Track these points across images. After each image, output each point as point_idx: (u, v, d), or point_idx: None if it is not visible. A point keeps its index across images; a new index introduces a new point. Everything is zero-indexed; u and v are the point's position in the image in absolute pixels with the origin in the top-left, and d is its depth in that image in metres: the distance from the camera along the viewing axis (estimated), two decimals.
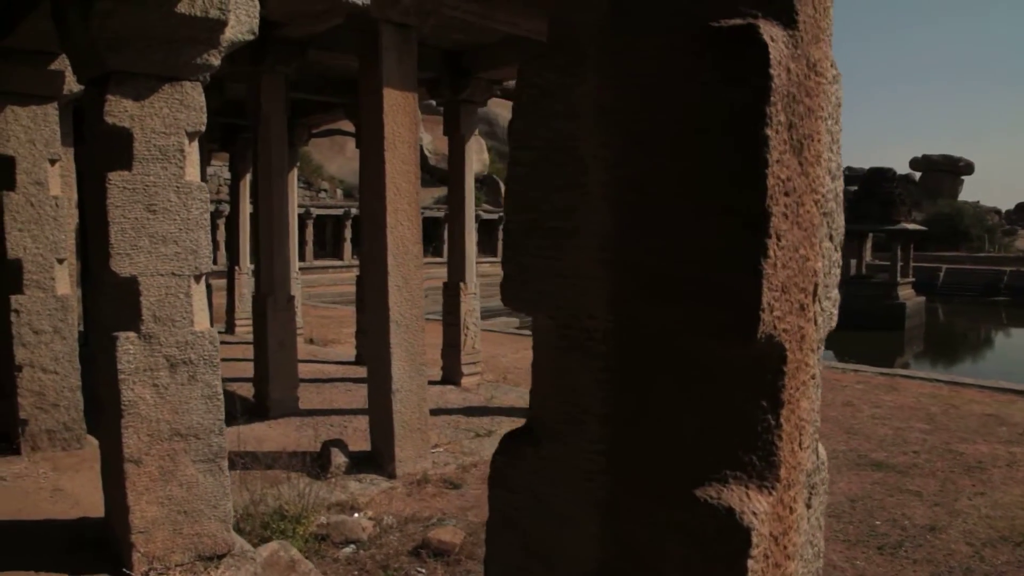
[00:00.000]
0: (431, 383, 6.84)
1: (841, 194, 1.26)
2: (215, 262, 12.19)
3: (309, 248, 23.30)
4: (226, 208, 16.50)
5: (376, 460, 6.08)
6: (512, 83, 9.22)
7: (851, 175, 39.14)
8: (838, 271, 1.28)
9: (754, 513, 1.02)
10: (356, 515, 5.23)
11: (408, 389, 5.99)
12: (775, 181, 0.99)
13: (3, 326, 5.01)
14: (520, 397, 8.54)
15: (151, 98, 2.86)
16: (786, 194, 1.02)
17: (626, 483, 1.12)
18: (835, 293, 1.27)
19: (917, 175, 53.57)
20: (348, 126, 13.06)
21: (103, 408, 3.09)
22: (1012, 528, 5.08)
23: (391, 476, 5.92)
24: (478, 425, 7.41)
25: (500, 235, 28.93)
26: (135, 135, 2.85)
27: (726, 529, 1.02)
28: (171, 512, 2.93)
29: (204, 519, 3.00)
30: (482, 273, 10.06)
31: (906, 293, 24.18)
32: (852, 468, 6.25)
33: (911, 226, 25.35)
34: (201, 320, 3.06)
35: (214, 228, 20.35)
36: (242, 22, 2.89)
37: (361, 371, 9.98)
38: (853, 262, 26.15)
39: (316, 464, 5.90)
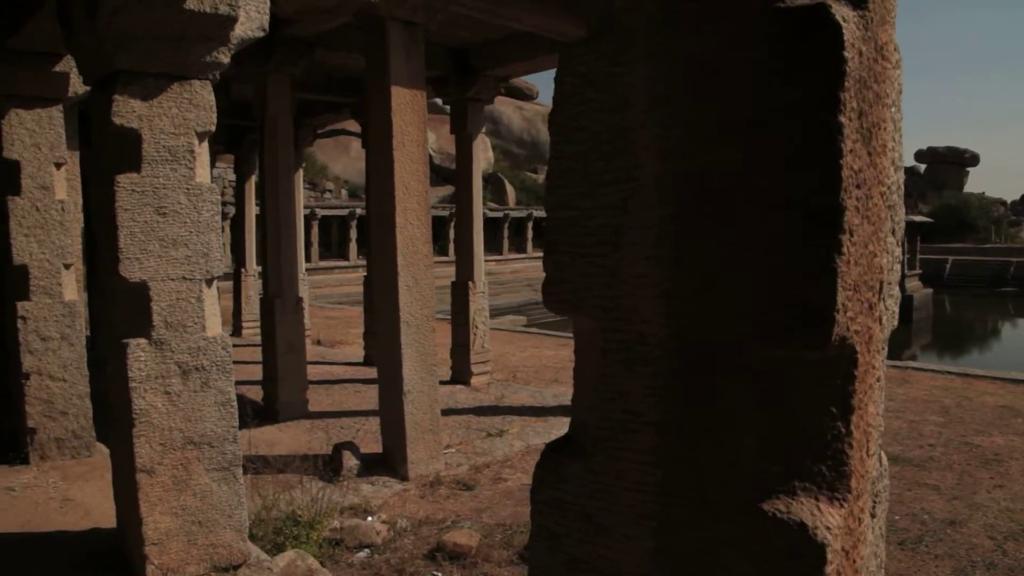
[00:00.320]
0: (440, 383, 6.78)
1: (903, 186, 1.18)
2: None
3: (315, 249, 23.26)
4: (231, 210, 16.47)
5: (388, 462, 6.02)
6: (517, 80, 9.15)
7: None
8: (899, 267, 1.21)
9: (828, 528, 0.95)
10: (369, 518, 5.17)
11: (419, 390, 5.93)
12: (848, 172, 0.92)
13: (10, 333, 4.96)
14: (531, 396, 8.47)
15: (160, 98, 2.79)
16: (857, 186, 0.95)
17: (682, 496, 1.05)
18: (896, 291, 1.20)
19: (922, 167, 53.41)
20: (353, 126, 13.02)
21: (114, 417, 3.03)
22: None
23: (403, 478, 5.86)
24: (489, 425, 7.34)
25: (505, 233, 28.85)
26: (144, 136, 2.79)
27: (798, 546, 0.95)
28: (185, 522, 2.86)
29: (219, 529, 2.93)
30: (487, 272, 9.98)
31: (913, 285, 24.09)
32: None
33: (917, 218, 25.27)
34: (213, 325, 2.99)
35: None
36: (252, 18, 2.82)
37: (370, 372, 9.93)
38: None
39: (328, 467, 5.84)
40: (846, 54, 0.89)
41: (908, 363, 11.13)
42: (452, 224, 25.13)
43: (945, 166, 52.38)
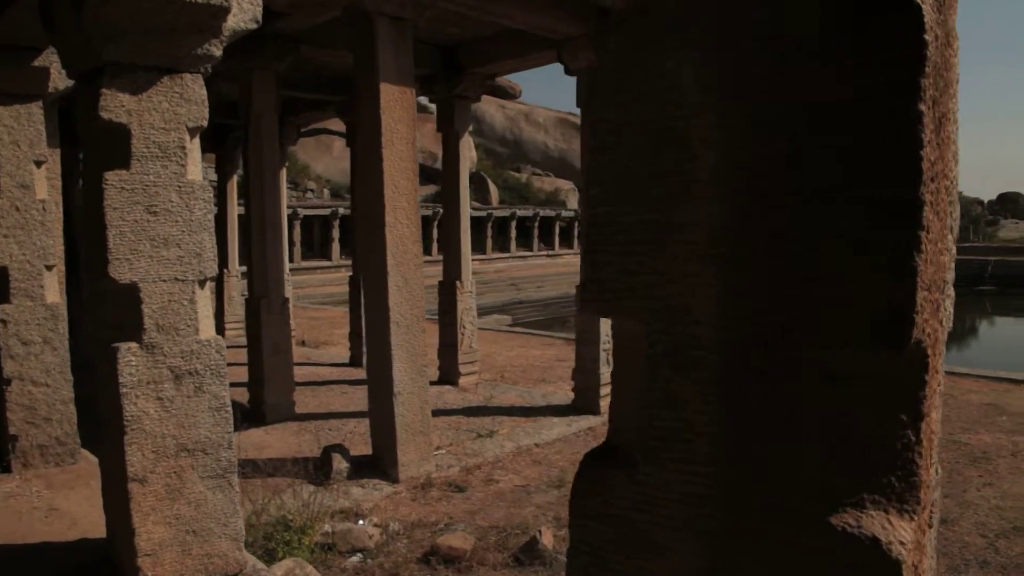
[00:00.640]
0: (428, 383, 6.70)
1: (958, 182, 1.13)
2: None
3: (297, 249, 23.05)
4: (213, 210, 16.27)
5: (378, 464, 5.94)
6: (500, 79, 9.07)
7: None
8: (954, 267, 1.16)
9: (902, 543, 0.89)
10: (361, 522, 5.08)
11: (410, 391, 5.85)
12: (927, 164, 0.86)
13: None
14: (519, 396, 8.41)
15: (149, 91, 2.68)
16: (932, 179, 0.89)
17: (739, 509, 0.99)
18: (952, 291, 1.15)
19: None
20: (336, 125, 12.86)
21: (104, 424, 2.91)
22: None
23: (394, 480, 5.78)
24: (479, 426, 7.27)
25: (489, 232, 28.75)
26: (133, 131, 2.67)
27: (871, 562, 0.89)
28: (179, 532, 2.76)
29: (214, 538, 2.83)
30: (472, 271, 9.89)
31: None
32: None
33: None
34: (206, 328, 2.89)
35: None
36: (245, 10, 2.72)
37: (356, 373, 9.83)
38: None
39: (318, 470, 5.74)
40: (927, 37, 0.83)
41: None
42: (436, 223, 25.02)
43: None
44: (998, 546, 4.67)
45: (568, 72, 7.35)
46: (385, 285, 5.67)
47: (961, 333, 25.47)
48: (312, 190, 29.23)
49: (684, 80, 0.99)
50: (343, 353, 11.07)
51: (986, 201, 51.16)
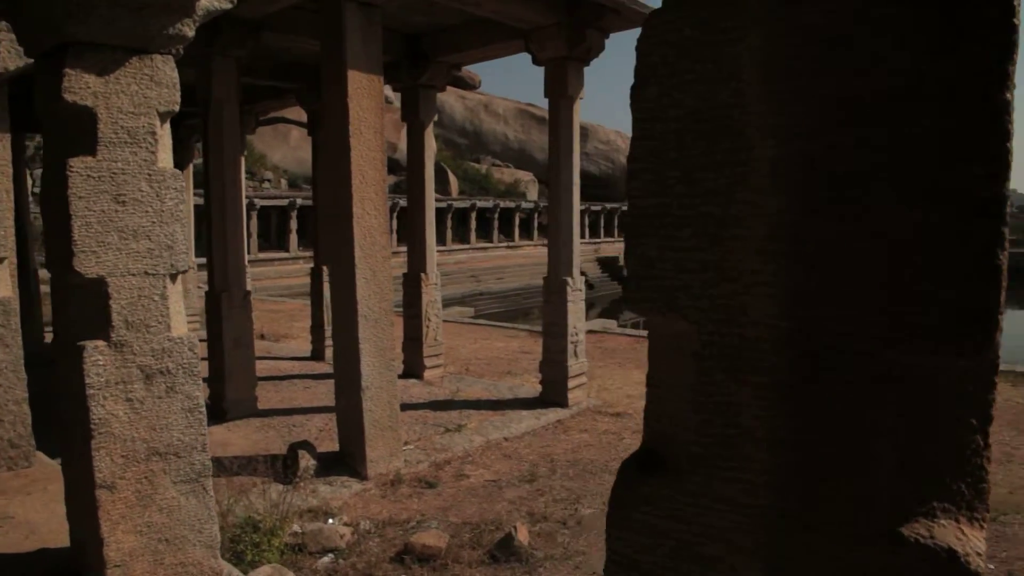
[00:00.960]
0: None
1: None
2: None
3: (254, 240, 22.54)
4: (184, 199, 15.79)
5: (346, 461, 5.81)
6: (468, 68, 8.95)
7: None
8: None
9: (978, 554, 0.85)
10: (331, 521, 4.96)
11: (378, 386, 5.74)
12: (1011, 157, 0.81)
13: None
14: (486, 389, 8.34)
15: (117, 73, 2.51)
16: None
17: (799, 520, 0.94)
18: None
19: None
20: (293, 114, 12.57)
21: (68, 427, 2.74)
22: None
23: (363, 477, 5.66)
24: (447, 420, 7.18)
25: (449, 224, 28.54)
26: (99, 115, 2.51)
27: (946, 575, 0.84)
28: (151, 541, 2.61)
29: (188, 546, 2.69)
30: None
31: None
32: None
33: None
34: (178, 324, 2.73)
35: None
36: None
37: (318, 367, 9.63)
38: None
39: (284, 468, 5.59)
40: (1016, 21, 0.78)
41: None
42: (395, 214, 24.72)
43: None
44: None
45: (536, 62, 7.26)
46: (353, 278, 5.53)
47: None
48: (269, 180, 28.61)
49: (742, 65, 0.93)
50: (304, 347, 10.85)
51: None
